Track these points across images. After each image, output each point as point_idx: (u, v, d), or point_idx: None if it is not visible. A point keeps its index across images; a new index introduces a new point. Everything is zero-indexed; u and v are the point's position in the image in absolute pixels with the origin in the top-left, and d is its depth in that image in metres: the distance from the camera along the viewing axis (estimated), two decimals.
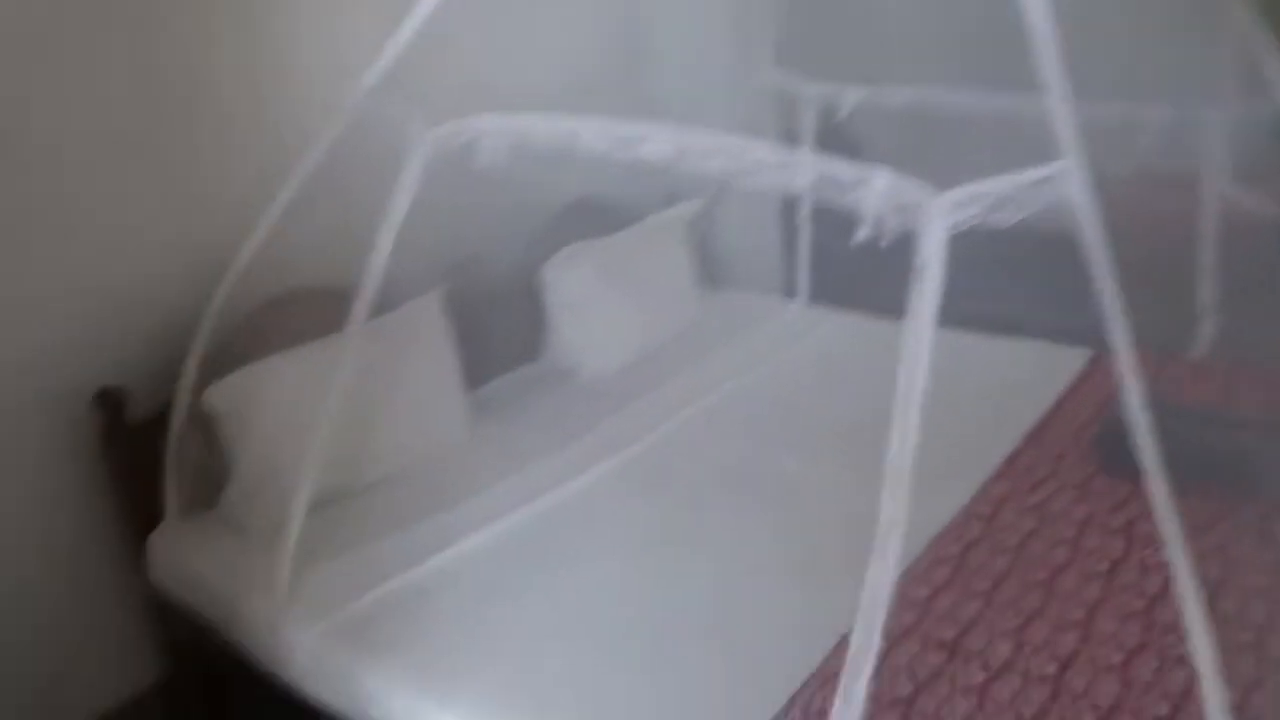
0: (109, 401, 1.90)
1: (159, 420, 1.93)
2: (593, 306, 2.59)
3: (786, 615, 1.61)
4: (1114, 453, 1.95)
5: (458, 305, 2.34)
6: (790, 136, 2.82)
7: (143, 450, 1.92)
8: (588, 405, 2.39)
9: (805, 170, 1.27)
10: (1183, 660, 1.42)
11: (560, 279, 2.58)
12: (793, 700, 1.40)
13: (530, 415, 2.39)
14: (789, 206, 3.27)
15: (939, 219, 1.14)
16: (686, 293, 2.91)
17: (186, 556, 1.90)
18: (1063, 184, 1.11)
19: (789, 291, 3.10)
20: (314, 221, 1.89)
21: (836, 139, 2.87)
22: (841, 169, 1.23)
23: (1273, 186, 2.62)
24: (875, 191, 1.19)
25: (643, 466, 2.13)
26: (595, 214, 2.81)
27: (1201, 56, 2.44)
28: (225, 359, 1.94)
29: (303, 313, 2.04)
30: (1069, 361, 2.42)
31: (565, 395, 2.49)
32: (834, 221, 3.45)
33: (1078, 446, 2.04)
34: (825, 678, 1.41)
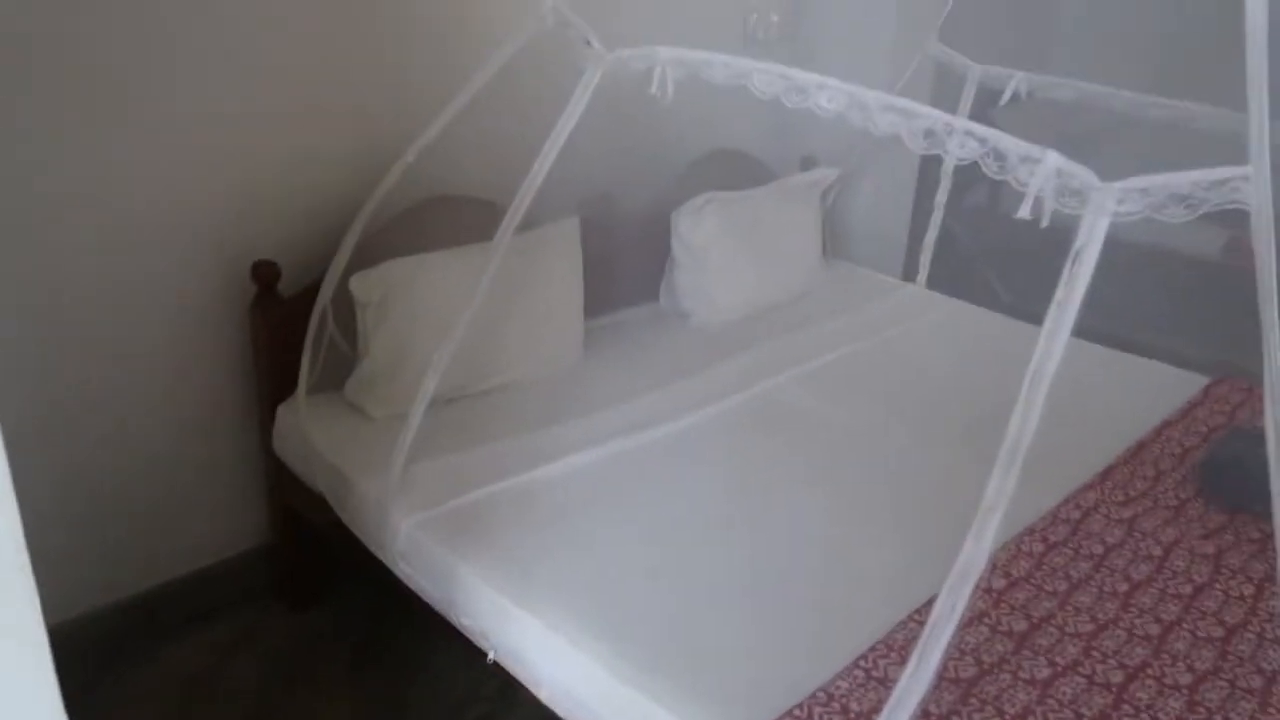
0: (263, 274, 2.02)
1: (307, 298, 2.05)
2: (715, 256, 2.63)
3: (865, 580, 1.63)
4: (1217, 480, 1.93)
5: (590, 237, 2.41)
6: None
7: (288, 324, 2.05)
8: (697, 350, 2.46)
9: (974, 141, 1.28)
10: (1251, 692, 1.42)
11: (688, 225, 2.62)
12: (856, 662, 1.42)
13: (643, 351, 2.46)
14: (922, 190, 3.25)
15: (1104, 207, 1.15)
16: (809, 258, 2.93)
17: (310, 431, 2.00)
18: (1242, 189, 1.10)
19: (909, 274, 3.10)
20: (476, 133, 1.96)
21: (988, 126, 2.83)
22: (1013, 144, 1.24)
23: None
24: (1044, 170, 1.20)
25: (747, 413, 2.17)
26: (732, 167, 2.86)
27: None
28: (377, 250, 2.04)
29: (454, 217, 2.14)
30: (1184, 386, 2.39)
31: (678, 337, 2.56)
32: (963, 214, 3.43)
33: (1178, 469, 2.01)
34: (891, 646, 1.44)
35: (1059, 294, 1.17)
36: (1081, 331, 2.65)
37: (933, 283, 3.03)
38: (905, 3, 3.01)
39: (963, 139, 1.29)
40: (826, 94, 1.42)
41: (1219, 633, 1.55)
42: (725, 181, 2.74)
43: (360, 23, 2.13)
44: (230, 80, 1.97)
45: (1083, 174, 1.18)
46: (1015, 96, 2.54)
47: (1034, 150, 1.22)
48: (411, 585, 1.78)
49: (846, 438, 2.09)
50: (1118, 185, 1.16)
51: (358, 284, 2.02)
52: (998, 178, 1.25)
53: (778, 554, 1.70)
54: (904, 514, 1.81)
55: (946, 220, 2.98)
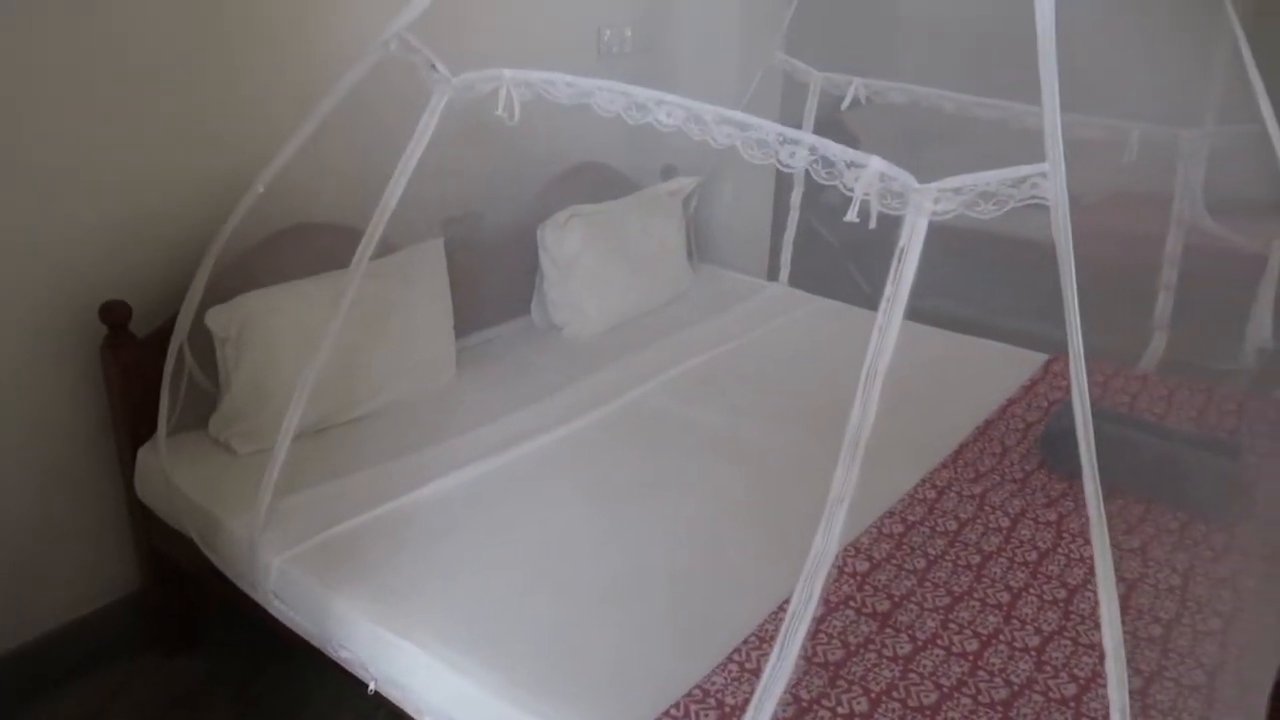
0: (113, 314, 1.94)
1: (163, 336, 1.98)
2: (583, 268, 2.67)
3: (738, 574, 1.68)
4: (1056, 451, 2.07)
5: (458, 254, 2.42)
6: (794, 122, 2.93)
7: (143, 364, 1.97)
8: (571, 362, 2.50)
9: (804, 149, 1.35)
10: (1093, 647, 1.53)
11: (554, 239, 2.65)
12: (730, 657, 1.46)
13: (516, 367, 2.48)
14: (781, 191, 3.37)
15: (922, 207, 1.23)
16: (675, 264, 3.00)
17: (173, 472, 1.94)
18: (1041, 185, 1.19)
19: (773, 273, 3.21)
20: (330, 159, 1.94)
21: (836, 129, 2.97)
22: (838, 151, 1.31)
23: (1239, 218, 2.76)
24: (868, 175, 1.28)
25: (617, 424, 2.21)
26: (595, 180, 2.91)
27: (1189, 79, 2.56)
28: (235, 282, 2.00)
29: (310, 246, 2.11)
30: (1026, 364, 2.56)
31: (551, 351, 2.59)
32: (820, 211, 3.59)
33: (1022, 444, 2.15)
34: (764, 637, 1.49)
35: (887, 290, 1.24)
36: (932, 318, 2.81)
37: (796, 280, 3.15)
38: (751, 15, 3.11)
39: (792, 148, 1.36)
40: (665, 109, 1.47)
41: (1062, 594, 1.66)
42: (589, 194, 2.79)
43: (210, 48, 2.08)
44: (71, 111, 1.90)
45: (903, 177, 1.26)
46: (856, 100, 2.67)
47: (858, 156, 1.30)
48: (287, 622, 1.75)
49: (714, 439, 2.15)
50: (934, 186, 1.24)
51: (214, 318, 1.97)
52: (827, 183, 1.33)
53: (652, 559, 1.73)
54: (771, 509, 1.87)
55: (806, 218, 3.11)
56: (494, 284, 2.64)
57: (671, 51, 3.22)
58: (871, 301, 1.25)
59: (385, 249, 2.19)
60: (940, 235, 1.26)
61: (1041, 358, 2.59)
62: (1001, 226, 1.34)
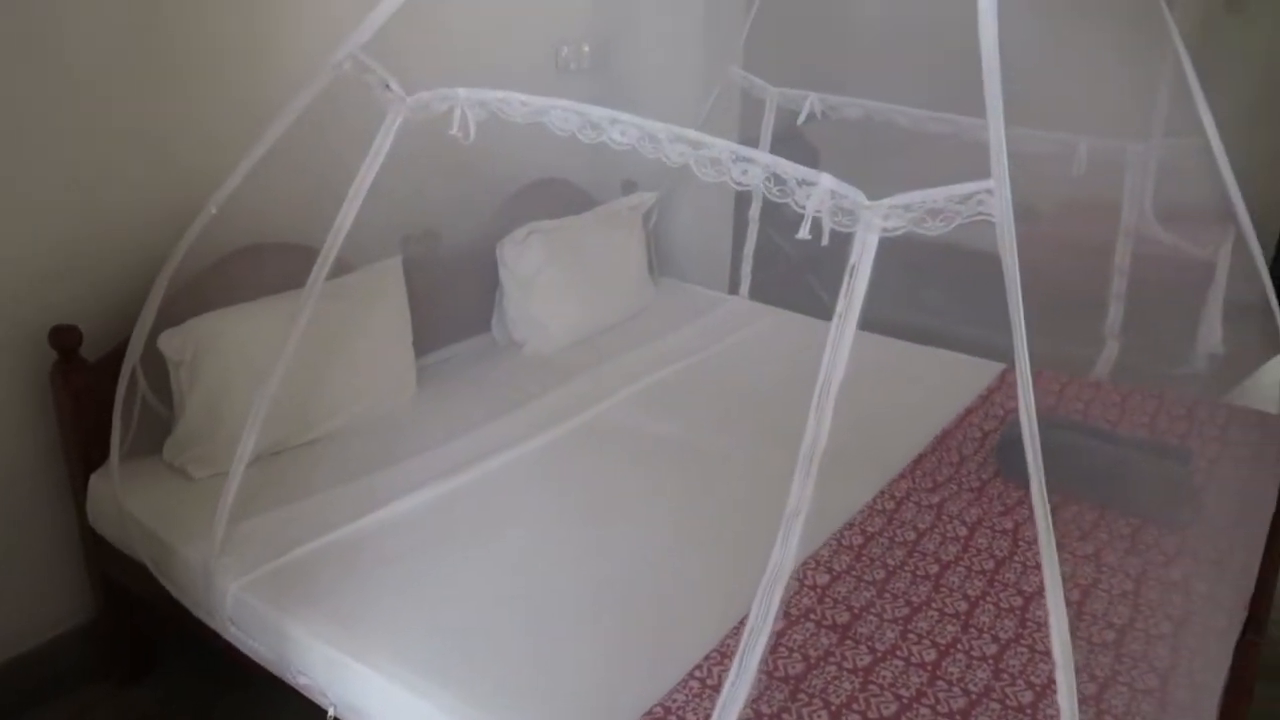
0: (62, 339, 1.91)
1: (114, 362, 1.95)
2: (543, 284, 2.67)
3: (701, 590, 1.68)
4: (1011, 460, 2.10)
5: (417, 273, 2.41)
6: (753, 136, 2.96)
7: (95, 390, 1.94)
8: (531, 378, 2.49)
9: (757, 167, 1.36)
10: (1049, 654, 1.54)
11: (514, 255, 2.65)
12: (691, 673, 1.46)
13: (476, 384, 2.47)
14: (741, 207, 3.39)
15: (872, 224, 1.24)
16: (637, 279, 3.00)
17: (125, 498, 1.91)
18: (986, 201, 1.21)
19: (734, 286, 3.23)
20: (285, 179, 1.92)
21: (797, 142, 3.01)
22: (790, 169, 1.32)
23: (1187, 226, 2.83)
24: (819, 193, 1.29)
25: (578, 440, 2.21)
26: (555, 196, 2.91)
27: (1136, 94, 2.62)
28: (189, 305, 1.97)
29: (265, 267, 2.09)
30: (982, 374, 2.59)
31: (511, 367, 2.58)
32: (780, 225, 3.62)
33: (979, 453, 2.18)
34: (725, 653, 1.49)
35: (840, 306, 1.26)
36: (892, 328, 2.83)
37: (757, 293, 3.17)
38: (711, 31, 3.14)
39: (745, 166, 1.37)
40: (619, 128, 1.48)
41: (1018, 602, 1.68)
42: (548, 210, 2.79)
43: (161, 67, 2.05)
44: (18, 132, 1.86)
45: (853, 194, 1.28)
46: (812, 115, 2.70)
47: (809, 174, 1.31)
48: (244, 649, 1.73)
49: (677, 453, 2.15)
50: (883, 203, 1.25)
51: (167, 342, 1.94)
52: (779, 200, 1.34)
53: (613, 576, 1.73)
54: (734, 523, 1.88)
55: (766, 231, 3.13)
56: (454, 302, 2.64)
57: (630, 68, 3.24)
58: (832, 313, 1.27)
59: (342, 269, 2.18)
60: (899, 246, 1.28)
61: (998, 367, 2.63)
62: (959, 237, 1.36)
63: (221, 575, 1.71)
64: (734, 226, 3.48)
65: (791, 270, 3.42)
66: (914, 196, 1.25)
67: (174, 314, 1.96)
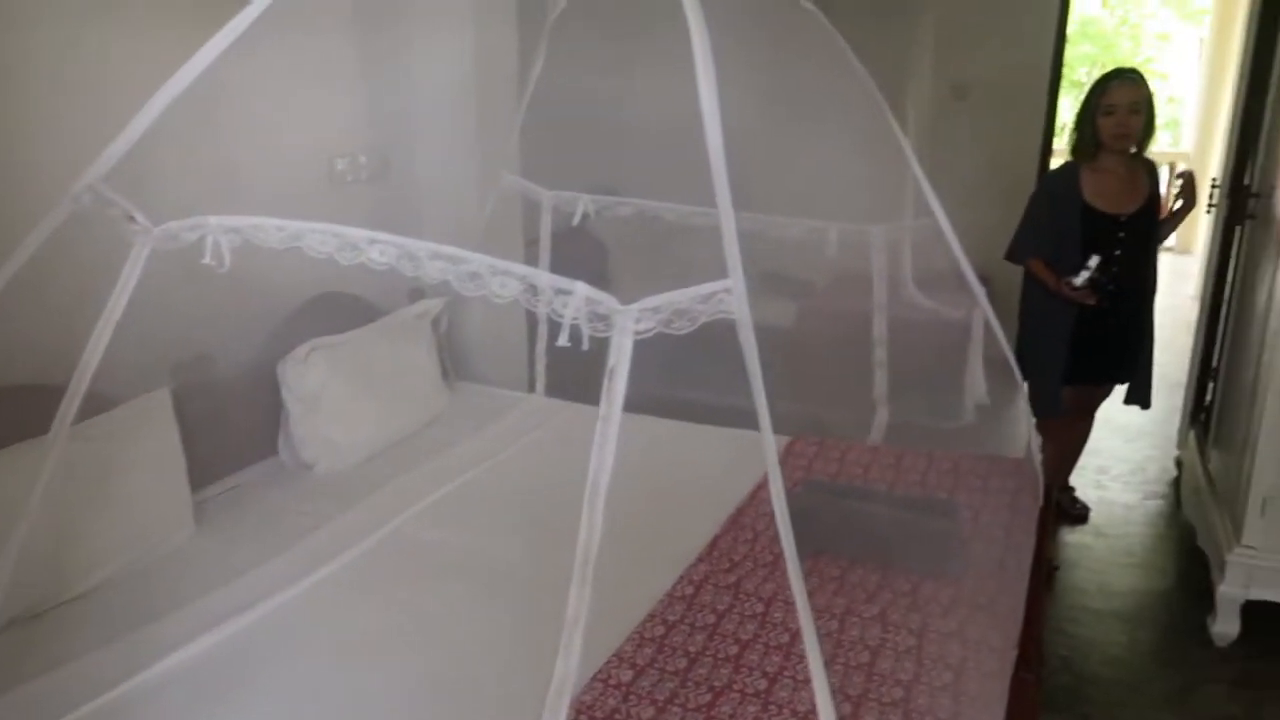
0: None
1: None
2: (329, 401, 2.59)
3: (498, 707, 1.66)
4: (796, 530, 2.20)
5: (191, 401, 2.30)
6: (537, 236, 3.04)
7: None
8: (325, 500, 2.40)
9: (514, 279, 1.40)
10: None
11: (295, 375, 2.57)
12: None
13: (264, 513, 2.35)
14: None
15: (626, 328, 1.30)
16: (429, 387, 2.97)
17: None
18: (726, 300, 1.30)
19: (530, 385, 3.26)
20: (26, 317, 1.81)
21: (584, 237, 3.10)
22: (545, 280, 1.37)
23: (944, 292, 3.11)
24: (575, 300, 1.34)
25: (372, 563, 2.13)
26: (337, 309, 2.85)
27: (885, 182, 2.88)
28: None
29: (8, 413, 1.93)
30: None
31: (302, 490, 2.47)
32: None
33: (771, 527, 2.26)
34: None
35: (602, 409, 1.30)
36: (676, 409, 2.90)
37: (553, 389, 3.20)
38: (485, 138, 3.20)
39: (503, 279, 1.41)
40: (378, 248, 1.49)
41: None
42: (330, 325, 2.73)
43: None
44: None
45: (607, 300, 1.34)
46: (586, 215, 2.81)
47: (565, 282, 1.36)
48: None
49: (473, 566, 2.11)
50: (635, 307, 1.32)
51: None
52: (535, 310, 1.38)
53: (414, 700, 1.68)
54: (527, 633, 1.81)
55: (556, 326, 3.18)
56: (235, 427, 2.52)
57: (409, 177, 3.25)
58: (628, 401, 1.31)
59: (103, 405, 2.05)
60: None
61: (784, 440, 2.75)
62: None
63: None
64: (527, 324, 3.52)
65: (584, 363, 3.49)
66: (661, 299, 1.32)
67: None
